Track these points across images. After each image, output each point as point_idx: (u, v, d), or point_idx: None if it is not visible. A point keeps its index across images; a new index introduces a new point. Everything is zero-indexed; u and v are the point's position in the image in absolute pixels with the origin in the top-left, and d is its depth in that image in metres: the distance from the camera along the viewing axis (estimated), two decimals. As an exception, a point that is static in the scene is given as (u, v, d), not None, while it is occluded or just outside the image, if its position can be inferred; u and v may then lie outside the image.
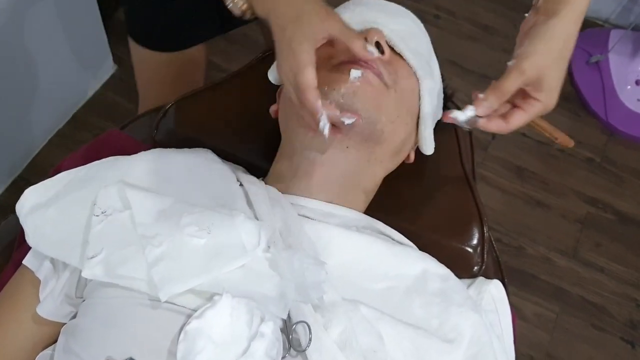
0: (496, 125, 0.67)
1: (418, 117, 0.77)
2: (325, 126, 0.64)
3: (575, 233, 1.77)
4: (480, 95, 0.65)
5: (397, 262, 0.70)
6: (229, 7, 0.76)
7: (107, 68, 1.90)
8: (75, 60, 1.72)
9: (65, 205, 0.68)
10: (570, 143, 0.79)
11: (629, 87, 2.01)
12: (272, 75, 0.83)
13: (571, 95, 2.06)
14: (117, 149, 0.86)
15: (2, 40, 1.39)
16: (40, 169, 1.69)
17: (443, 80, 0.86)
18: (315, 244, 0.66)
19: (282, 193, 0.71)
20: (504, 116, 0.67)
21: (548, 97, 0.66)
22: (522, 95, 0.67)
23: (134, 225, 0.63)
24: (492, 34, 2.19)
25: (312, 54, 0.63)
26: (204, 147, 0.82)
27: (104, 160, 0.75)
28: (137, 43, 1.03)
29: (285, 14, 0.67)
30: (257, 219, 0.66)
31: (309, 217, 0.69)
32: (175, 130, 0.87)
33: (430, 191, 0.87)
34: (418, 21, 0.83)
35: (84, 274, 0.60)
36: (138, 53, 1.06)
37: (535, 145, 1.92)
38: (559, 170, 1.88)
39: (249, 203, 0.69)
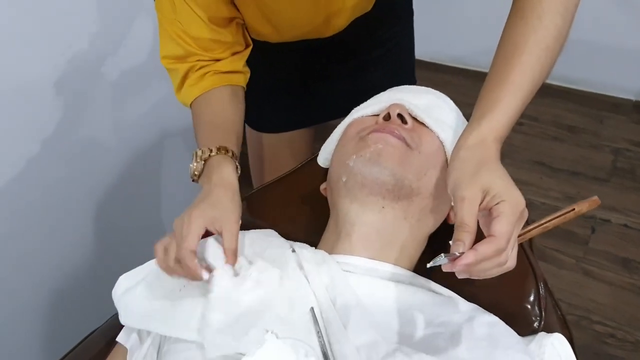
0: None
1: None
2: (205, 276, 0.72)
3: (698, 323, 1.62)
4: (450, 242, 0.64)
5: (442, 310, 0.72)
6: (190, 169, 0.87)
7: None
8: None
9: (150, 282, 0.80)
10: (594, 203, 0.75)
11: None
12: (321, 159, 0.94)
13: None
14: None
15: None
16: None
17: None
18: (358, 295, 0.72)
19: (329, 254, 0.78)
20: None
21: (505, 195, 0.64)
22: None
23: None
24: (577, 133, 2.21)
25: (200, 228, 0.74)
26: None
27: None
28: (250, 127, 1.27)
29: (203, 190, 0.81)
30: (306, 277, 0.74)
31: (352, 272, 0.76)
32: (247, 221, 0.98)
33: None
34: (444, 97, 0.91)
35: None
36: (251, 136, 1.29)
37: (638, 234, 1.83)
38: (669, 258, 1.77)
39: (300, 265, 0.77)
